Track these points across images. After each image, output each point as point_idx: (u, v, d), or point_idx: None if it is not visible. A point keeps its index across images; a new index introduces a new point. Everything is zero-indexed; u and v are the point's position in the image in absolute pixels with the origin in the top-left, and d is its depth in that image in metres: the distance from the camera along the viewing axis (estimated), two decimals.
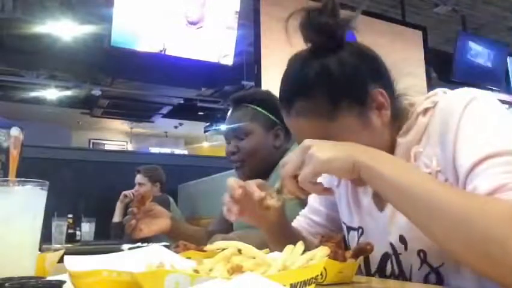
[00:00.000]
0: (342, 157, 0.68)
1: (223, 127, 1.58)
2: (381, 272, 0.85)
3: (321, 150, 0.69)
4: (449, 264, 0.74)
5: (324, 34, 0.77)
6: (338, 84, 0.77)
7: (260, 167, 1.42)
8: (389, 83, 0.83)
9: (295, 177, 0.72)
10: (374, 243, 0.84)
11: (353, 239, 0.93)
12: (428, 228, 0.63)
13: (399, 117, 0.82)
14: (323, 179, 1.04)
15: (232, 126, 1.46)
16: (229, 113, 1.52)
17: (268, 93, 1.57)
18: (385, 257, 0.84)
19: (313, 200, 1.07)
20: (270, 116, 1.47)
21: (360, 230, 0.91)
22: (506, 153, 0.64)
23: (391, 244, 0.82)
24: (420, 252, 0.77)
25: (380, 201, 0.85)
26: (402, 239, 0.80)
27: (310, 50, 0.81)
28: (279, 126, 1.47)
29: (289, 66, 0.83)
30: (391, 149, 0.81)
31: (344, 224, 0.96)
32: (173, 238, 1.36)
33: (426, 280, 0.77)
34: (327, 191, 0.77)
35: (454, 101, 0.74)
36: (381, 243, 0.83)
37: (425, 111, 0.80)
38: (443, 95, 0.80)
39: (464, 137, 0.70)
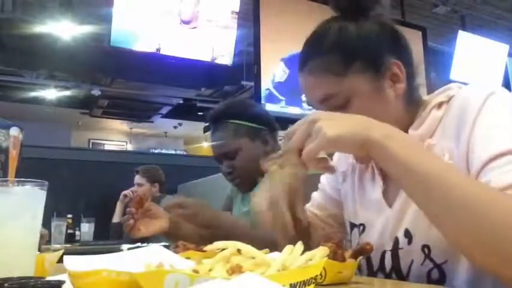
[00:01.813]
0: (351, 133, 0.65)
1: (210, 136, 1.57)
2: (382, 270, 0.84)
3: (330, 125, 0.65)
4: (453, 262, 0.74)
5: (350, 1, 0.82)
6: (353, 45, 0.79)
7: (256, 176, 1.44)
8: (409, 63, 0.83)
9: (300, 150, 0.69)
10: (378, 240, 0.83)
11: (354, 236, 0.92)
12: (438, 217, 0.61)
13: (413, 105, 0.82)
14: (326, 178, 1.04)
15: (219, 148, 1.46)
16: (211, 133, 1.51)
17: (243, 102, 1.59)
18: (385, 254, 0.84)
19: (317, 195, 1.06)
20: (252, 124, 1.46)
21: (361, 227, 0.90)
22: None
23: (396, 238, 0.81)
24: (425, 248, 0.76)
25: (389, 197, 0.84)
26: (407, 233, 0.79)
27: (335, 16, 0.84)
28: (264, 130, 1.47)
29: (315, 28, 0.86)
30: None
31: (349, 221, 0.96)
32: (173, 238, 1.36)
33: (429, 276, 0.76)
34: (330, 168, 0.75)
35: (472, 95, 0.74)
36: (385, 240, 0.82)
37: (440, 105, 0.80)
38: (458, 89, 0.80)
39: (482, 130, 0.69)
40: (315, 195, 1.07)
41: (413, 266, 0.78)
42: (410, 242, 0.79)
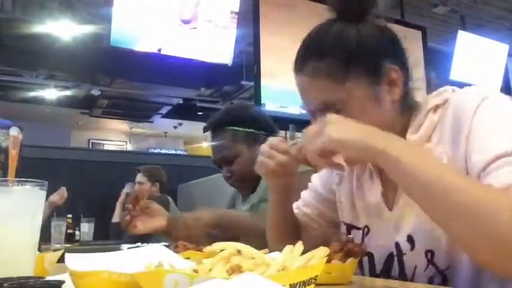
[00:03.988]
0: (354, 139, 0.67)
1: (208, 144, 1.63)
2: (386, 273, 0.84)
3: (337, 128, 0.69)
4: (455, 267, 0.74)
5: (348, 2, 0.81)
6: (352, 49, 0.78)
7: (256, 179, 1.46)
8: (405, 67, 0.83)
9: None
10: (380, 243, 0.83)
11: (357, 237, 0.92)
12: (445, 222, 0.63)
13: (408, 109, 0.82)
14: (319, 177, 1.04)
15: (218, 154, 1.49)
16: (209, 139, 1.54)
17: (240, 108, 1.60)
18: (390, 257, 0.83)
19: (307, 194, 1.06)
20: (250, 130, 1.49)
21: (366, 229, 0.90)
22: None
23: (397, 244, 0.81)
24: (428, 253, 0.76)
25: (389, 199, 0.84)
26: (410, 239, 0.79)
27: (333, 18, 0.83)
28: (262, 135, 1.48)
29: (312, 30, 0.85)
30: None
31: (345, 223, 0.95)
32: (173, 238, 1.36)
33: (430, 282, 0.76)
34: (340, 166, 0.73)
35: (467, 99, 0.74)
36: (388, 243, 0.82)
37: (436, 108, 0.80)
38: (452, 92, 0.80)
39: (478, 135, 0.70)
40: (304, 194, 1.06)
41: (416, 272, 0.79)
42: (412, 248, 0.79)
